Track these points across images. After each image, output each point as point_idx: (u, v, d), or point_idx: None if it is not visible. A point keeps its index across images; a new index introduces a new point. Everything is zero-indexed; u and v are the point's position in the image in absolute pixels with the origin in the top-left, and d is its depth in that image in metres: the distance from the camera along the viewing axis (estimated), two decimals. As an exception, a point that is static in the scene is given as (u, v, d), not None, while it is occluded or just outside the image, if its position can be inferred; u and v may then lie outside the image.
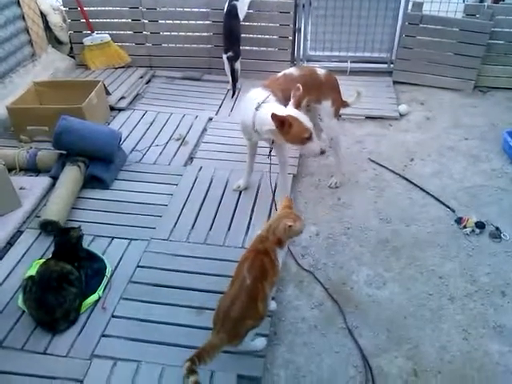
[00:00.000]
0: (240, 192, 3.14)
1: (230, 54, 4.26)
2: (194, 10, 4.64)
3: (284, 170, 2.99)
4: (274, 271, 2.07)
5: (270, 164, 2.86)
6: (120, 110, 4.17)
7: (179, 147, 3.64)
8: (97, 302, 2.38)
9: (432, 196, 3.18)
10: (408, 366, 2.16)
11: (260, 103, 2.60)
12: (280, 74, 2.95)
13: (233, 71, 4.34)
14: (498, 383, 2.10)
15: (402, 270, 2.65)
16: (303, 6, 4.61)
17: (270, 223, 2.14)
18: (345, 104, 3.22)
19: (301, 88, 2.61)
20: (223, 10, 4.32)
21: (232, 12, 4.25)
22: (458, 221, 2.95)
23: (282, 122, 2.46)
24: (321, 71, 3.02)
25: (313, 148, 2.61)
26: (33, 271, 2.41)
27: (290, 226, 2.04)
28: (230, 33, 4.31)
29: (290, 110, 2.54)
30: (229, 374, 2.07)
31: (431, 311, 2.41)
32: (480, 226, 2.90)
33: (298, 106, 2.60)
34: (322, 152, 2.67)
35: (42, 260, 2.47)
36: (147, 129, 3.89)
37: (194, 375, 1.75)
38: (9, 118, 3.64)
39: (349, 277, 2.61)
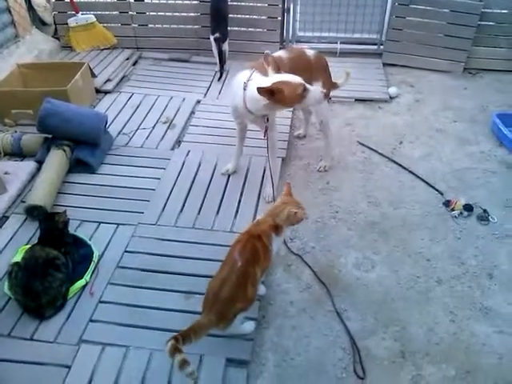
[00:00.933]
0: (228, 176, 3.12)
1: (217, 35, 4.19)
2: (181, -11, 4.55)
3: (273, 153, 2.96)
4: (266, 256, 2.06)
5: (268, 146, 2.82)
6: (106, 92, 4.09)
7: (166, 130, 3.59)
8: (84, 287, 2.36)
9: (421, 179, 3.19)
10: (396, 347, 2.18)
11: (246, 82, 2.56)
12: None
13: (220, 53, 4.27)
14: (483, 364, 2.12)
15: (390, 252, 2.66)
16: (292, -14, 4.54)
17: (272, 209, 2.13)
18: (335, 86, 3.18)
19: (270, 53, 2.59)
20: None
21: (219, -9, 4.18)
22: (447, 203, 2.96)
23: (270, 92, 2.39)
24: (310, 52, 2.98)
25: (315, 95, 2.50)
26: (19, 257, 2.37)
27: (295, 213, 2.04)
28: (218, 13, 4.24)
29: (272, 77, 2.48)
30: (217, 358, 2.07)
31: (419, 293, 2.43)
32: (468, 208, 2.91)
33: (277, 69, 2.56)
34: (326, 95, 2.65)
35: (28, 246, 2.44)
36: (134, 112, 3.83)
37: (179, 354, 1.73)
38: (-8, 101, 3.56)
39: (337, 260, 2.61)
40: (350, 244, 2.71)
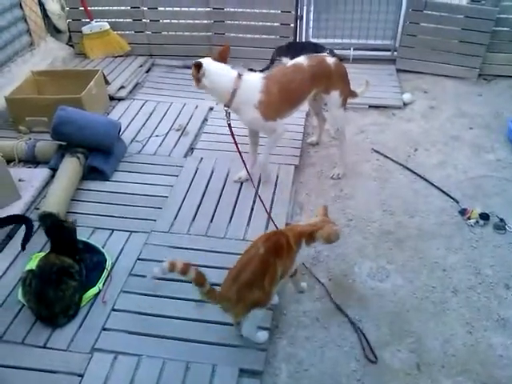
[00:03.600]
0: (241, 184, 3.10)
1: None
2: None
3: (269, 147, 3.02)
4: (289, 256, 2.04)
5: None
6: (119, 99, 4.12)
7: (179, 138, 3.60)
8: (97, 295, 2.36)
9: (436, 187, 3.14)
10: (411, 359, 2.15)
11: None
12: (290, 64, 2.92)
13: None
14: (501, 376, 2.08)
15: (405, 262, 2.63)
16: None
17: (313, 222, 2.14)
18: (353, 94, 3.17)
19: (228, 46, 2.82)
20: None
21: None
22: (462, 212, 2.91)
23: (197, 67, 2.64)
24: (330, 60, 2.96)
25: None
26: (32, 264, 2.39)
27: (336, 231, 2.07)
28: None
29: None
30: (231, 368, 2.05)
31: (434, 304, 2.39)
32: (484, 217, 2.86)
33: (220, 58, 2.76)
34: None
35: (42, 253, 2.45)
36: (147, 119, 3.84)
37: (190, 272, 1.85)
38: (7, 108, 3.60)
39: (351, 269, 2.58)
40: (364, 253, 2.68)
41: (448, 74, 4.56)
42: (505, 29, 4.40)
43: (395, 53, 4.74)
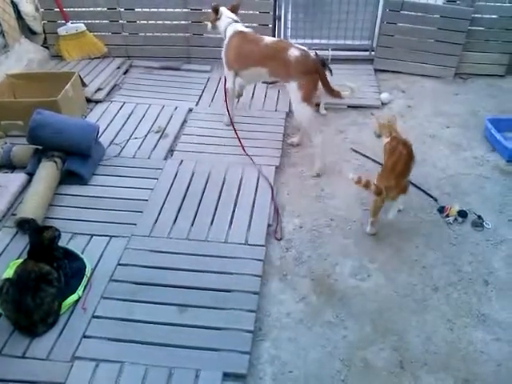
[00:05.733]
0: (222, 186, 3.08)
1: None
2: (171, -3, 4.52)
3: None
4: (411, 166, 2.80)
5: None
6: (97, 101, 4.05)
7: (159, 140, 3.56)
8: (77, 302, 2.32)
9: (414, 185, 3.17)
10: (394, 357, 2.17)
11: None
12: (257, 35, 3.30)
13: None
14: (482, 372, 2.11)
15: (386, 260, 2.65)
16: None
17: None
18: (335, 95, 3.16)
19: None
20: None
21: None
22: (441, 210, 2.95)
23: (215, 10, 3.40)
24: (294, 51, 3.03)
25: None
26: (10, 272, 2.33)
27: None
28: None
29: None
30: (214, 372, 2.04)
31: (416, 302, 2.42)
32: (462, 214, 2.90)
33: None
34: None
35: (20, 260, 2.40)
36: (125, 121, 3.79)
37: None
38: (-19, 112, 3.51)
39: (333, 269, 2.59)
40: (346, 252, 2.69)
41: (425, 74, 4.62)
42: (480, 28, 4.47)
43: (373, 53, 4.78)
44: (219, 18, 3.41)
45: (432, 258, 2.66)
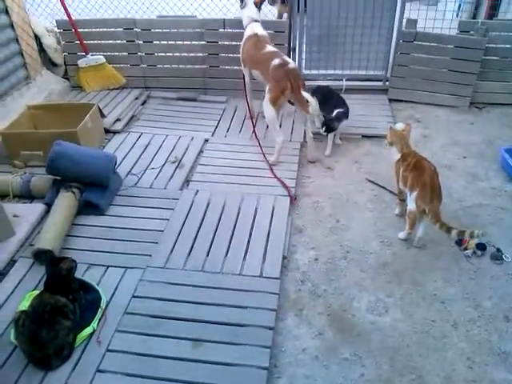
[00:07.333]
0: (237, 217, 3.09)
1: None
2: (188, 30, 4.63)
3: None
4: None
5: None
6: (115, 132, 4.13)
7: (175, 170, 3.60)
8: (91, 335, 2.31)
9: (431, 217, 3.14)
10: (413, 397, 2.11)
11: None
12: (265, 43, 3.79)
13: None
14: (505, 414, 2.04)
15: (404, 295, 2.60)
16: (298, 26, 4.62)
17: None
18: (303, 105, 3.48)
19: None
20: (217, 29, 4.48)
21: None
22: (459, 242, 2.91)
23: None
24: (275, 61, 3.49)
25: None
26: (26, 304, 2.34)
27: None
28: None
29: None
30: (228, 410, 2.00)
31: (435, 339, 2.36)
32: (481, 247, 2.85)
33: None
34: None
35: (36, 292, 2.41)
36: (142, 151, 3.85)
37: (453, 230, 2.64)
38: (2, 143, 3.59)
39: (350, 303, 2.55)
40: (362, 286, 2.65)
41: (440, 103, 4.63)
42: (494, 58, 4.49)
43: (387, 83, 4.81)
44: (244, 7, 3.98)
45: (451, 292, 2.61)
